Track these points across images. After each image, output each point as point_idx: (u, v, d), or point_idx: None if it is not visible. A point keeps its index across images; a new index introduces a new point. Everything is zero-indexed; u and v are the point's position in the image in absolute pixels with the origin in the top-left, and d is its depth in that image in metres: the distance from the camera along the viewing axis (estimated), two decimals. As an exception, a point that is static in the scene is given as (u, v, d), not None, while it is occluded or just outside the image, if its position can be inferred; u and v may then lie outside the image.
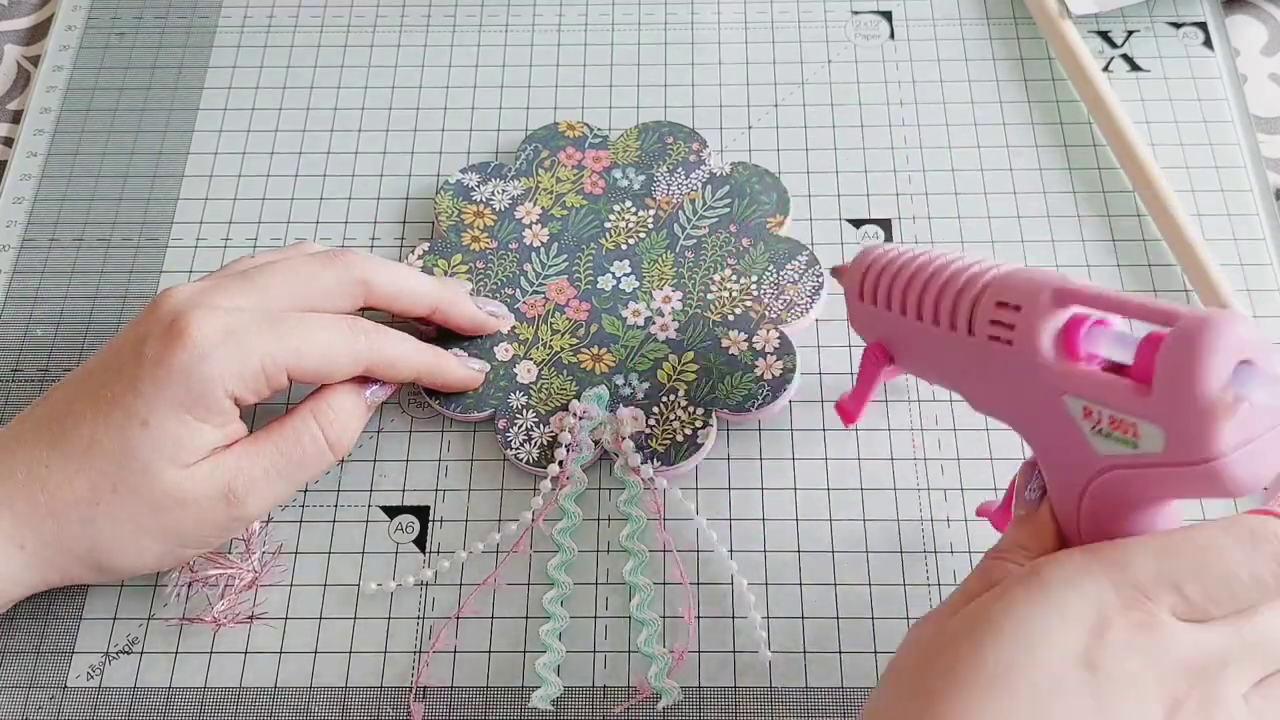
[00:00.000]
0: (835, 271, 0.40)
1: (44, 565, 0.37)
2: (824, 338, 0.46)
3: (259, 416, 0.44)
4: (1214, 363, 0.27)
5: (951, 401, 0.44)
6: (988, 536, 0.42)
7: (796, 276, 0.46)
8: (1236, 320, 0.28)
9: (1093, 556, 0.29)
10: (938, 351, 0.35)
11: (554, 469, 0.42)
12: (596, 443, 0.43)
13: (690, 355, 0.44)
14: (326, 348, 0.39)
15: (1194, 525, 0.29)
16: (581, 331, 0.45)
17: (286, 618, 0.41)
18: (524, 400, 0.44)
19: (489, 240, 0.48)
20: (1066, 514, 0.32)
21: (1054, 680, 0.27)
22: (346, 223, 0.49)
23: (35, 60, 0.55)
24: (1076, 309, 0.31)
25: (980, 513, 0.41)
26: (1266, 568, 0.28)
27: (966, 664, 0.28)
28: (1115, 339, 0.30)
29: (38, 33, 0.56)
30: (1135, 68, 0.53)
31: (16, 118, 0.53)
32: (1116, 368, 0.31)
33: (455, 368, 0.43)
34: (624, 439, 0.42)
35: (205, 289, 0.38)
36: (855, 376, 0.41)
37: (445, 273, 0.47)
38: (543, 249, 0.47)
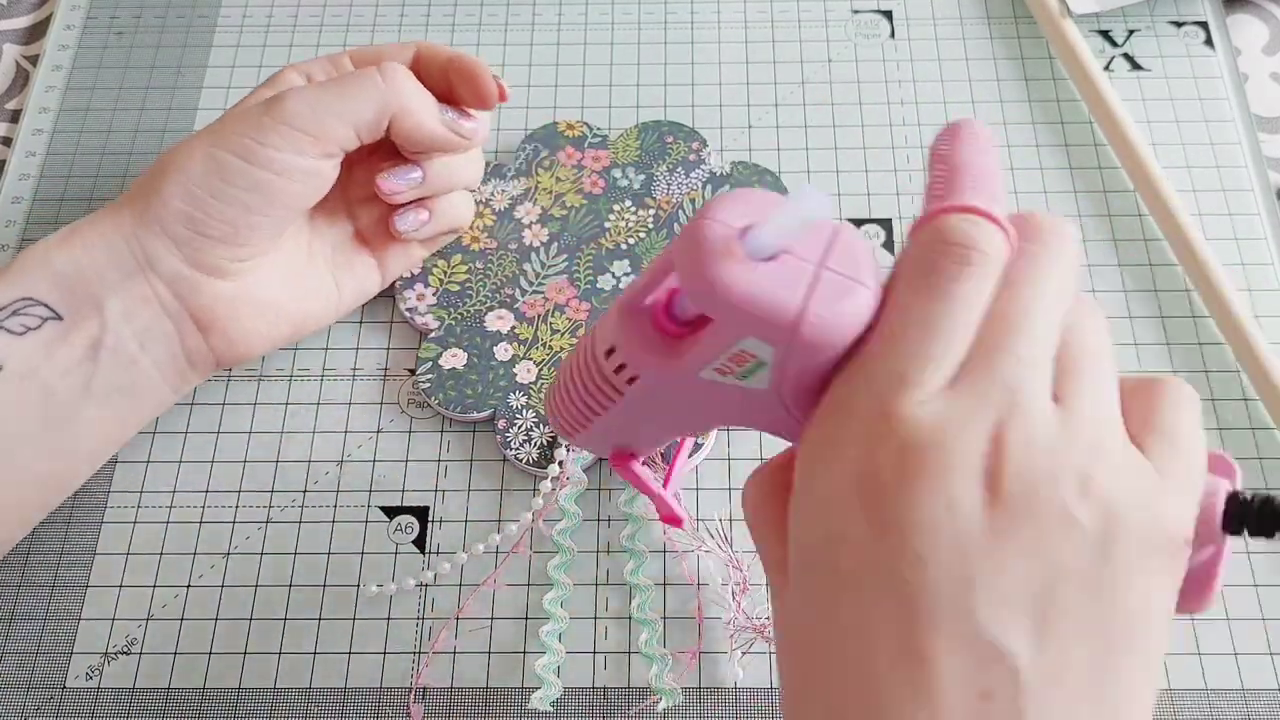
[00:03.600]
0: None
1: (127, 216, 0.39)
2: (824, 338, 0.46)
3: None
4: (711, 252, 0.26)
5: (952, 401, 0.44)
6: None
7: (797, 276, 0.46)
8: (713, 207, 0.27)
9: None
10: (634, 420, 0.33)
11: (554, 469, 0.42)
12: (596, 443, 0.43)
13: (690, 355, 0.44)
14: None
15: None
16: (581, 331, 0.45)
17: (286, 618, 0.41)
18: (524, 400, 0.44)
19: (488, 240, 0.47)
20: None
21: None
22: (346, 222, 0.49)
23: (34, 60, 0.55)
24: (648, 300, 0.30)
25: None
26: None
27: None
28: (681, 301, 0.29)
29: (36, 32, 0.56)
30: (1136, 67, 0.53)
31: (15, 117, 0.53)
32: (685, 323, 0.29)
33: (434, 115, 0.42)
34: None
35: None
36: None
37: (445, 273, 0.47)
38: (542, 249, 0.47)
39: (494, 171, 0.49)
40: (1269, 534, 0.26)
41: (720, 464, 0.43)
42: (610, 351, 0.30)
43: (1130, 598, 0.24)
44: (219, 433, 0.44)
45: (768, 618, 0.39)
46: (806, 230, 0.27)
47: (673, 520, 0.39)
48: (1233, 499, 0.27)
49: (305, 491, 0.43)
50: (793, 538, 0.27)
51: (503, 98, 0.42)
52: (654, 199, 0.48)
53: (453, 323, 0.46)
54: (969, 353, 0.26)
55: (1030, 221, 0.27)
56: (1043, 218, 0.27)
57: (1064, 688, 0.24)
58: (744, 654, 0.39)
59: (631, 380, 0.30)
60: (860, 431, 0.25)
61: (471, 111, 0.43)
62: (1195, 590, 0.27)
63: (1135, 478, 0.25)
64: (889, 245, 0.48)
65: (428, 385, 0.44)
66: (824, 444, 0.26)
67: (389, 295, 0.47)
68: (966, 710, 0.23)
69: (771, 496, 0.28)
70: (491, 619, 0.41)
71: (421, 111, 0.41)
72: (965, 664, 0.24)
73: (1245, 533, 0.27)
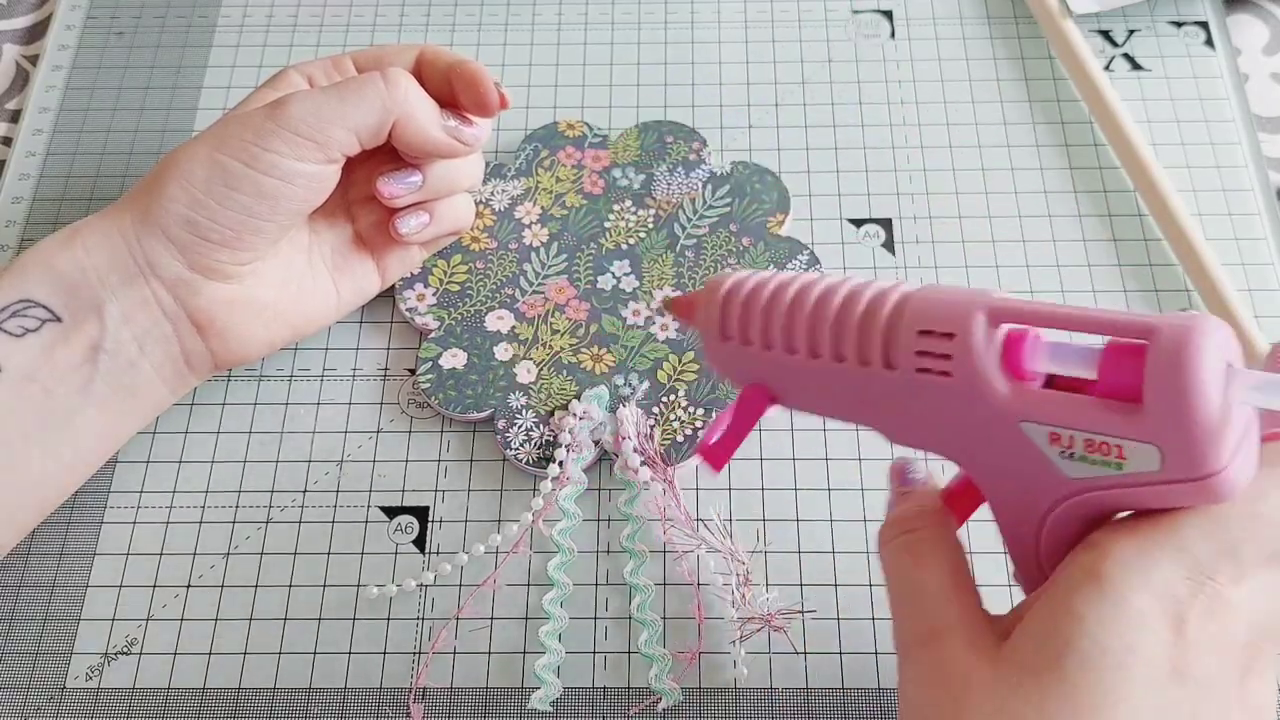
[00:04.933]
0: (674, 306, 0.35)
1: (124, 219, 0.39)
2: (824, 338, 0.46)
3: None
4: (1211, 376, 0.26)
5: (952, 401, 0.44)
6: (988, 536, 0.42)
7: (797, 276, 0.46)
8: (1217, 325, 0.26)
9: (1150, 543, 0.27)
10: (841, 388, 0.31)
11: (554, 469, 0.42)
12: (596, 443, 0.43)
13: (690, 355, 0.44)
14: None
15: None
16: (581, 331, 0.45)
17: (286, 618, 0.41)
18: (524, 400, 0.44)
19: (488, 240, 0.47)
20: (1022, 538, 0.30)
21: (1153, 701, 0.26)
22: (346, 222, 0.49)
23: (34, 60, 0.55)
24: (1011, 326, 0.29)
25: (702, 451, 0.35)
26: None
27: (1060, 698, 0.26)
28: (1064, 353, 0.28)
29: (36, 32, 0.56)
30: (1136, 67, 0.53)
31: (15, 117, 0.53)
32: (1067, 382, 0.28)
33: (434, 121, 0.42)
34: (624, 439, 0.42)
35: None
36: (730, 418, 0.34)
37: (445, 273, 0.47)
38: (542, 249, 0.47)
39: (494, 171, 0.49)
40: None
41: (720, 464, 0.43)
42: (934, 334, 0.29)
43: None
44: (219, 433, 0.44)
45: (775, 611, 0.39)
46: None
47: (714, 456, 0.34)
48: None
49: (305, 491, 0.43)
50: (1079, 628, 0.27)
51: (504, 105, 0.42)
52: (654, 199, 0.48)
53: (453, 323, 0.46)
54: None
55: None
56: None
57: None
58: (747, 640, 0.39)
59: (929, 369, 0.29)
60: (1186, 571, 0.27)
61: (473, 118, 0.43)
62: None
63: None
64: (889, 245, 0.48)
65: (428, 385, 0.44)
66: (1144, 566, 0.27)
67: (389, 295, 0.47)
68: None
69: (934, 554, 0.30)
70: (491, 619, 0.41)
71: (423, 118, 0.41)
72: None
73: None
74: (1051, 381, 0.29)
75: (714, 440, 0.34)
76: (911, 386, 0.29)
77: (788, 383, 0.32)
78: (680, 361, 0.44)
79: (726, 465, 0.35)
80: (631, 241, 0.47)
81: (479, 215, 0.48)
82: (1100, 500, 0.28)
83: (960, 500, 0.33)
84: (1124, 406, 0.27)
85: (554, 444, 0.43)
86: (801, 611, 0.40)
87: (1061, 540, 0.29)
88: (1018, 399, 0.28)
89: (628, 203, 0.48)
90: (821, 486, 0.43)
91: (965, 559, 0.31)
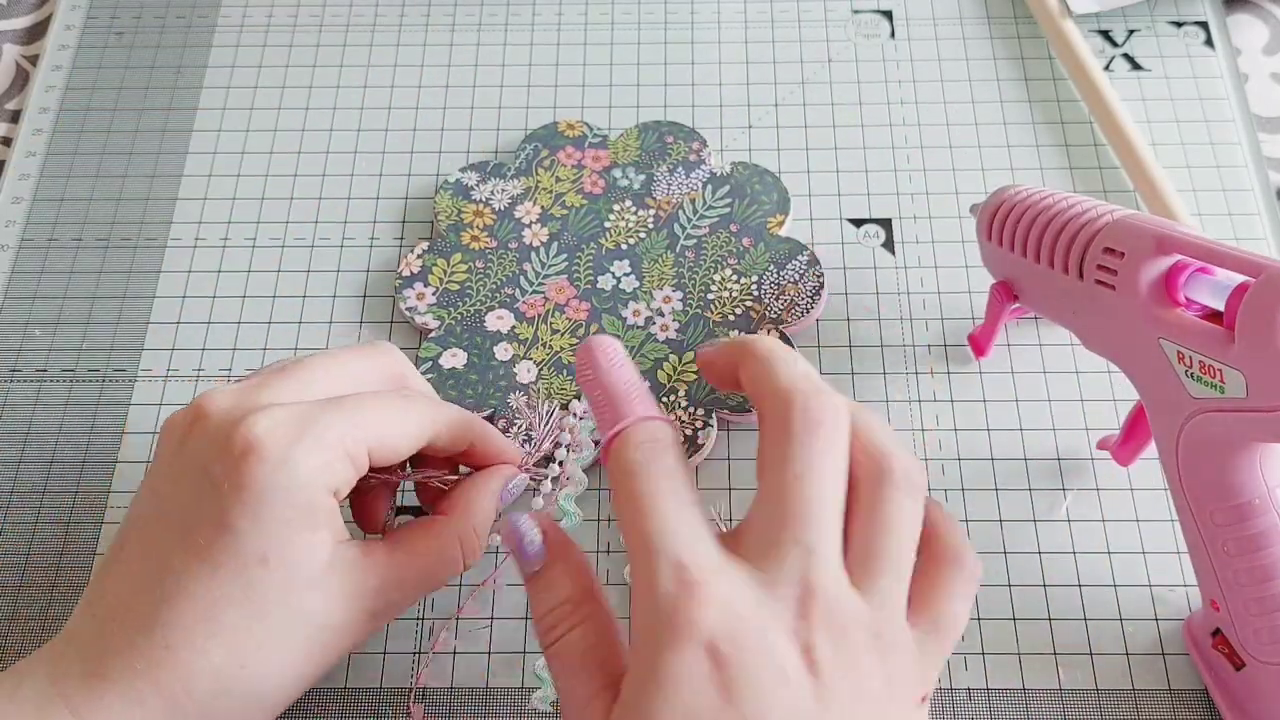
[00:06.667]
0: (974, 209, 0.43)
1: None
2: (824, 338, 0.46)
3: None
4: None
5: (951, 401, 0.44)
6: (987, 537, 0.42)
7: (797, 276, 0.46)
8: None
9: None
10: (1053, 292, 0.38)
11: (554, 469, 0.42)
12: (596, 443, 0.43)
13: (690, 355, 0.44)
14: (396, 415, 0.35)
15: None
16: (581, 331, 0.45)
17: (286, 618, 0.41)
18: (524, 400, 0.44)
19: (488, 239, 0.47)
20: (1167, 452, 0.35)
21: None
22: (346, 222, 0.49)
23: (34, 60, 0.55)
24: (1178, 256, 0.33)
25: (1101, 446, 0.42)
26: None
27: None
28: (1213, 287, 0.32)
29: (36, 32, 0.56)
30: (1136, 67, 0.53)
31: (15, 117, 0.53)
32: (1214, 315, 0.33)
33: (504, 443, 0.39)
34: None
35: (245, 389, 0.34)
36: (984, 316, 0.44)
37: (445, 272, 0.47)
38: (542, 248, 0.47)
39: (494, 171, 0.49)
40: None
41: (720, 464, 0.43)
42: (1113, 251, 0.35)
43: None
44: (219, 433, 0.44)
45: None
46: None
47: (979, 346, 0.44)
48: None
49: (305, 491, 0.43)
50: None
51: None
52: (654, 199, 0.48)
53: (453, 323, 0.46)
54: (763, 537, 0.29)
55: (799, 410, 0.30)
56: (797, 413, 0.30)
57: None
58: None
59: (1103, 282, 0.35)
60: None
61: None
62: None
63: (908, 656, 0.29)
64: (889, 245, 0.48)
65: (428, 385, 0.44)
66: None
67: (389, 295, 0.47)
68: None
69: (580, 659, 0.30)
70: (491, 619, 0.41)
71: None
72: None
73: None
74: (1214, 316, 0.33)
75: (977, 330, 0.44)
76: (1092, 295, 0.36)
77: (1023, 282, 0.40)
78: (680, 361, 0.44)
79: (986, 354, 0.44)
80: (631, 241, 0.47)
81: (479, 214, 0.48)
82: (1214, 423, 0.32)
83: (1131, 438, 0.39)
84: (1226, 335, 0.31)
85: (554, 444, 0.43)
86: None
87: (1192, 457, 0.34)
88: (1157, 317, 0.33)
89: (628, 203, 0.48)
90: (821, 486, 0.43)
91: (615, 646, 0.30)
